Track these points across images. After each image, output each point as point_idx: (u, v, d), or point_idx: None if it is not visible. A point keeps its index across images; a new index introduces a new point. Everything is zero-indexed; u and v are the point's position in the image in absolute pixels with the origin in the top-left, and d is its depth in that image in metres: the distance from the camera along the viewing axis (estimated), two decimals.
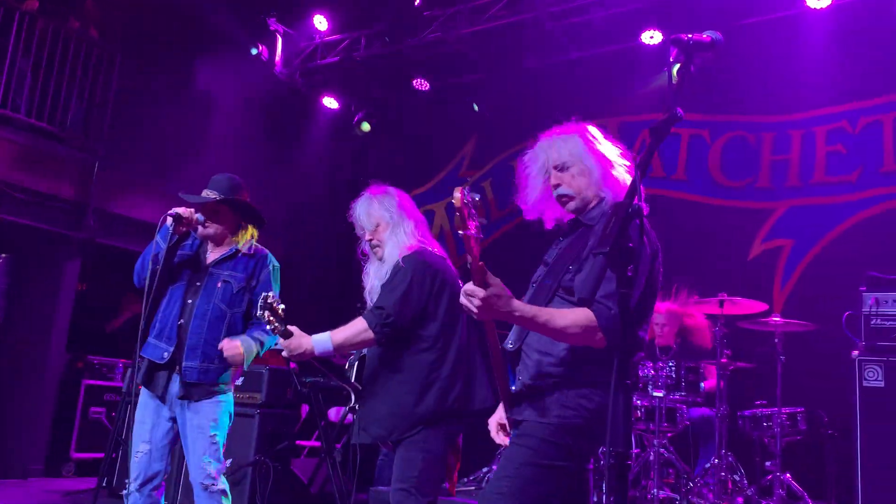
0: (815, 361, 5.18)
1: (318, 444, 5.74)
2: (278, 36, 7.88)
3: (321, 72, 8.08)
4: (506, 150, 7.58)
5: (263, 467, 4.83)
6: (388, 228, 3.05)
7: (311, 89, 8.31)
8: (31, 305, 6.91)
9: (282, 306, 2.77)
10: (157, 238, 3.26)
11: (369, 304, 3.05)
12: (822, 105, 5.96)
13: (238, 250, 3.38)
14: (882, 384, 4.07)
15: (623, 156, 2.30)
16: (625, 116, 6.57)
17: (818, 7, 5.74)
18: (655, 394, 4.84)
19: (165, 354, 3.23)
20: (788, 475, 4.68)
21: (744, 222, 6.13)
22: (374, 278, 3.06)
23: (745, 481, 4.87)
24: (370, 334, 2.84)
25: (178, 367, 3.21)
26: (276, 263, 3.50)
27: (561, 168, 2.26)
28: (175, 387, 3.22)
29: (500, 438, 2.27)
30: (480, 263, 1.85)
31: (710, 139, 6.41)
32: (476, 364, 3.03)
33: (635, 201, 1.47)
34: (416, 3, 6.93)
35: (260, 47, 7.65)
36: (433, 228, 7.57)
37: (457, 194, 1.83)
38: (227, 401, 3.30)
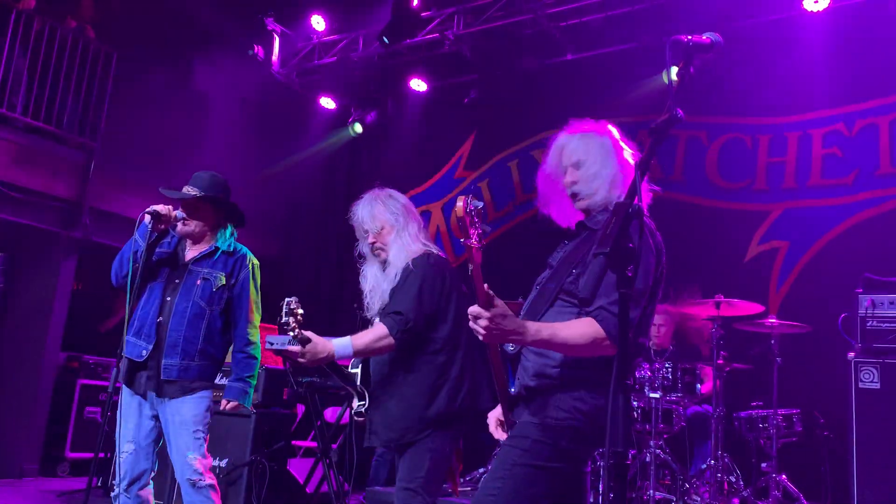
0: (810, 363, 5.19)
1: (314, 444, 5.74)
2: (276, 36, 7.88)
3: (318, 72, 8.08)
4: (503, 151, 7.59)
5: (259, 467, 4.82)
6: (392, 231, 3.02)
7: (308, 89, 8.30)
8: (27, 304, 6.89)
9: (301, 311, 2.74)
10: (136, 236, 3.25)
11: (369, 305, 3.04)
12: (818, 107, 5.98)
13: (217, 248, 3.37)
14: (878, 386, 4.08)
15: (636, 157, 2.29)
16: (622, 117, 6.57)
17: (815, 10, 5.75)
18: (652, 395, 4.85)
19: (144, 352, 3.22)
20: (784, 476, 4.70)
21: (740, 224, 6.14)
22: (376, 280, 3.04)
23: (741, 482, 4.88)
24: (391, 340, 2.83)
25: (157, 365, 3.21)
26: (256, 261, 3.49)
27: (577, 165, 2.25)
28: (154, 385, 3.21)
29: (499, 434, 2.26)
30: (486, 287, 1.85)
31: (708, 141, 6.43)
32: (478, 363, 3.04)
33: (635, 202, 1.47)
34: (413, 4, 6.94)
35: (256, 48, 7.64)
36: (429, 229, 7.57)
37: (459, 203, 1.82)
38: (209, 396, 3.30)
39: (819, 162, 5.93)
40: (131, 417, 3.25)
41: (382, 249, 3.04)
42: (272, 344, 4.99)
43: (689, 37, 1.65)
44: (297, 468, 5.40)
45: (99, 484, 5.50)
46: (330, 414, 5.82)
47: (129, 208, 7.13)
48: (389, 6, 7.00)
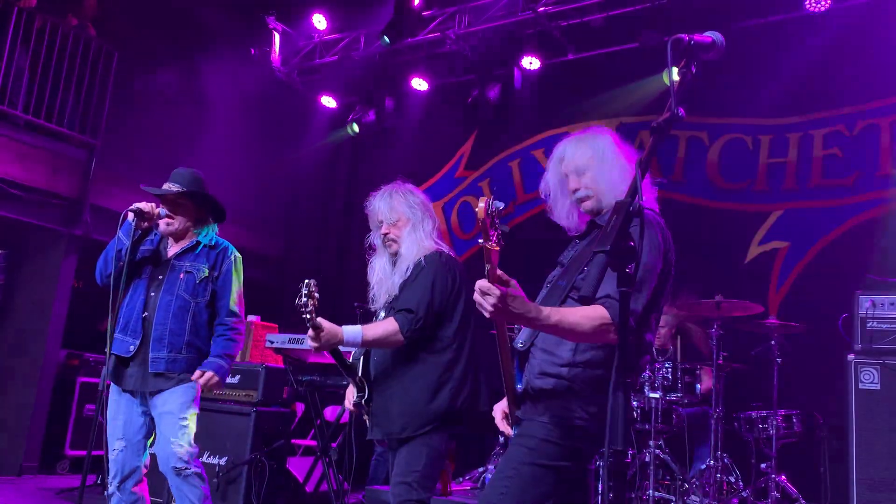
0: (810, 364, 5.19)
1: (313, 443, 5.74)
2: (277, 34, 7.88)
3: (319, 71, 8.08)
4: (504, 151, 7.59)
5: (259, 466, 4.83)
6: (408, 225, 3.03)
7: (310, 88, 8.31)
8: (28, 302, 6.89)
9: (318, 295, 2.73)
10: (120, 234, 3.27)
11: (375, 297, 3.06)
12: (819, 108, 5.97)
13: (199, 242, 3.40)
14: (877, 386, 4.08)
15: (637, 156, 2.29)
16: (623, 117, 6.58)
17: (817, 10, 5.75)
18: (652, 395, 4.85)
19: (131, 348, 3.24)
20: (783, 477, 4.69)
21: (741, 225, 6.14)
22: (384, 272, 3.06)
23: (741, 483, 4.88)
24: (400, 337, 2.85)
25: (144, 360, 3.22)
26: (238, 255, 3.50)
27: (578, 172, 2.26)
28: (143, 380, 3.22)
29: (504, 426, 2.27)
30: (498, 270, 1.85)
31: (709, 141, 6.42)
32: (480, 365, 3.06)
33: (636, 200, 1.47)
34: (414, 3, 6.94)
35: (252, 51, 7.65)
36: None
37: (481, 205, 1.82)
38: (194, 387, 3.30)
39: (820, 163, 5.93)
40: (120, 414, 3.27)
41: (395, 241, 3.05)
42: (272, 343, 5.01)
43: (691, 36, 1.65)
44: (297, 467, 5.41)
45: (98, 481, 5.50)
46: (329, 413, 5.82)
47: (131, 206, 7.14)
48: (391, 5, 7.01)
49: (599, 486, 4.78)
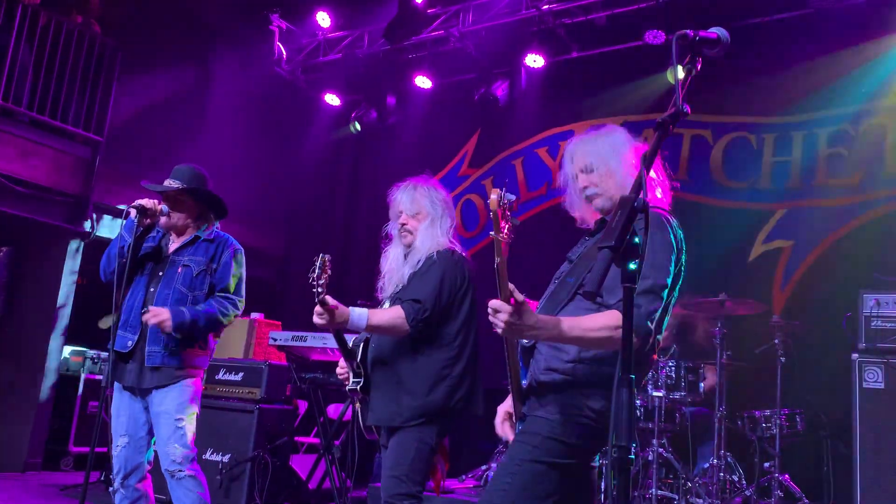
0: (814, 363, 5.18)
1: (316, 440, 5.74)
2: (281, 32, 7.88)
3: (323, 69, 8.08)
4: (507, 149, 7.58)
5: (262, 463, 4.83)
6: (426, 219, 3.07)
7: (313, 86, 8.31)
8: (32, 299, 6.91)
9: (330, 272, 2.77)
10: (122, 231, 3.27)
11: (384, 286, 3.09)
12: (824, 107, 5.95)
13: (198, 237, 3.39)
14: (882, 385, 4.07)
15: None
16: (628, 115, 6.57)
17: (822, 8, 5.73)
18: (655, 393, 4.85)
19: (130, 343, 3.24)
20: (787, 476, 4.69)
21: (745, 223, 6.12)
22: (396, 263, 3.09)
23: (744, 482, 4.87)
24: (405, 325, 2.87)
25: (142, 355, 3.21)
26: (239, 247, 3.48)
27: (587, 170, 2.26)
28: (140, 375, 3.21)
29: (505, 429, 2.26)
30: (512, 287, 1.85)
31: (713, 140, 6.41)
32: (477, 372, 3.08)
33: (641, 196, 1.47)
34: (418, 1, 6.93)
35: (256, 49, 7.65)
36: None
37: (493, 196, 1.83)
38: (193, 385, 3.26)
39: (825, 161, 5.91)
40: (123, 411, 3.26)
41: (410, 233, 3.08)
42: (275, 340, 5.02)
43: (696, 32, 1.65)
44: (300, 464, 5.41)
45: (102, 478, 5.52)
46: (333, 410, 5.82)
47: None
48: (395, 3, 7.01)
49: (603, 483, 4.79)
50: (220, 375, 5.16)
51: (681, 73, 1.62)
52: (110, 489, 3.22)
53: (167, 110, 7.36)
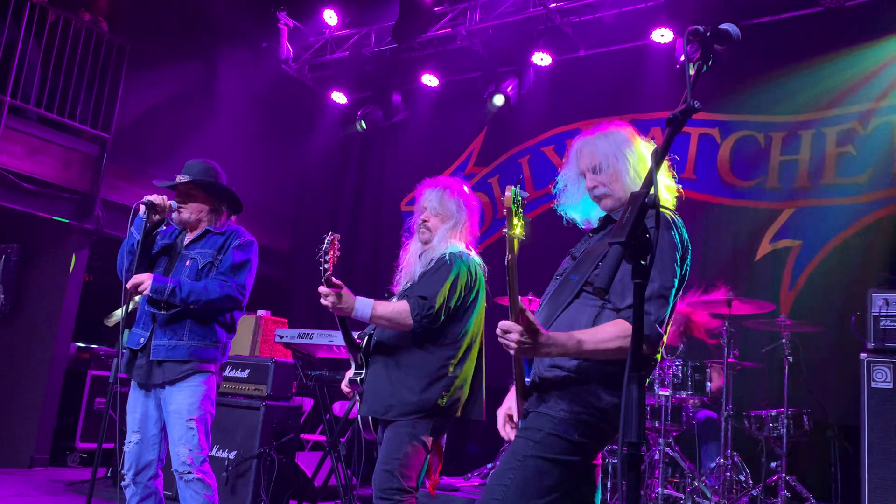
0: (822, 362, 5.16)
1: (322, 437, 5.75)
2: (288, 30, 7.89)
3: (330, 67, 8.09)
4: (514, 147, 7.57)
5: (268, 460, 4.84)
6: (448, 222, 3.08)
7: (320, 84, 8.31)
8: (39, 295, 6.93)
9: (338, 253, 2.79)
10: (132, 229, 3.26)
11: (399, 279, 3.10)
12: (833, 106, 5.93)
13: (208, 230, 3.37)
14: (890, 385, 4.05)
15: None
16: (635, 114, 6.55)
17: (830, 7, 5.71)
18: (661, 392, 4.83)
19: (142, 340, 3.22)
20: (794, 476, 4.67)
21: (752, 222, 6.10)
22: (413, 258, 3.10)
23: (751, 481, 4.85)
24: (409, 321, 2.88)
25: (150, 350, 3.20)
26: (249, 239, 3.41)
27: (595, 170, 2.25)
28: (149, 371, 3.19)
29: (507, 431, 2.25)
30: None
31: (720, 138, 6.39)
32: (481, 378, 3.09)
33: (651, 191, 1.46)
34: None
35: (263, 46, 7.64)
36: None
37: (508, 193, 1.83)
38: (205, 385, 3.21)
39: (833, 160, 5.88)
40: (137, 408, 3.25)
41: (429, 230, 3.09)
42: (282, 337, 5.02)
43: (707, 27, 1.64)
44: (306, 461, 5.42)
45: (108, 474, 5.53)
46: (338, 408, 5.83)
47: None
48: (402, 1, 7.00)
49: (608, 482, 4.78)
50: (227, 372, 5.17)
51: (691, 70, 1.61)
52: (122, 483, 3.22)
53: (174, 108, 7.38)
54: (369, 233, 8.02)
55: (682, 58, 1.57)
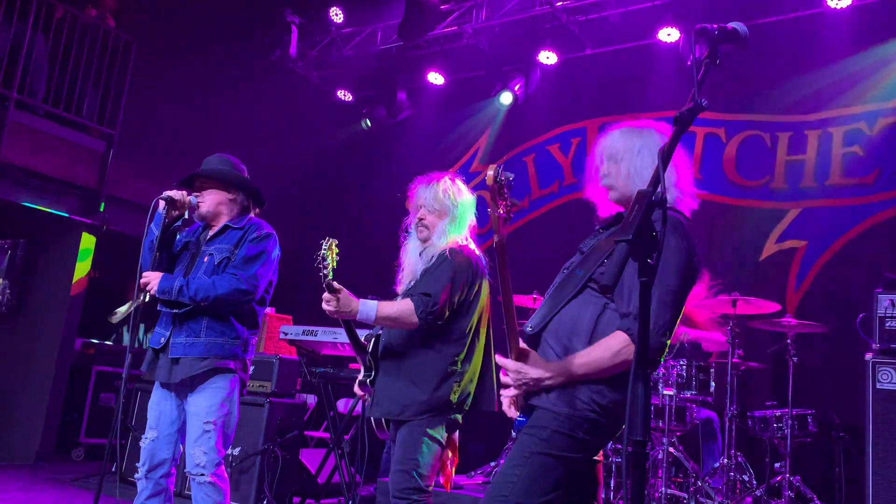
0: (827, 363, 5.15)
1: (326, 434, 5.76)
2: (294, 28, 7.89)
3: (336, 64, 8.09)
4: (519, 146, 7.57)
5: (272, 456, 4.85)
6: (445, 217, 3.06)
7: (326, 82, 8.32)
8: (45, 290, 6.95)
9: (337, 256, 2.77)
10: (151, 225, 3.24)
11: (402, 279, 3.10)
12: (839, 106, 5.91)
13: (228, 226, 3.33)
14: (895, 386, 4.03)
15: (678, 157, 2.27)
16: (641, 113, 6.54)
17: (838, 7, 5.69)
18: (665, 392, 4.83)
19: (162, 339, 3.21)
20: (798, 477, 4.66)
21: (758, 222, 6.09)
22: (413, 257, 3.09)
23: (754, 482, 4.85)
24: (414, 318, 2.87)
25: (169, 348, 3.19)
26: (267, 231, 3.36)
27: (611, 158, 2.25)
28: (169, 370, 3.18)
29: (512, 412, 2.26)
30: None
31: (726, 138, 6.37)
32: (489, 367, 3.09)
33: (659, 190, 1.46)
34: None
35: (268, 44, 7.64)
36: None
37: (490, 172, 1.83)
38: (225, 387, 3.17)
39: (839, 161, 5.86)
40: (156, 405, 3.24)
41: (427, 228, 3.08)
42: (286, 334, 5.03)
43: (715, 26, 1.63)
44: (309, 458, 5.43)
45: (113, 470, 5.55)
46: (342, 405, 5.84)
47: (147, 197, 7.15)
48: None
49: (612, 481, 4.78)
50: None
51: (700, 68, 1.61)
52: (135, 476, 3.23)
53: (180, 104, 7.39)
54: (375, 230, 8.01)
55: (690, 56, 1.56)
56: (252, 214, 3.45)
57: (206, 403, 3.14)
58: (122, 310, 7.75)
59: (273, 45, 7.74)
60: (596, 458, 2.22)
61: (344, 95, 8.16)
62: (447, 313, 2.93)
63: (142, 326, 8.48)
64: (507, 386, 1.94)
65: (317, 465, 5.31)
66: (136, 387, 5.49)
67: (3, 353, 6.95)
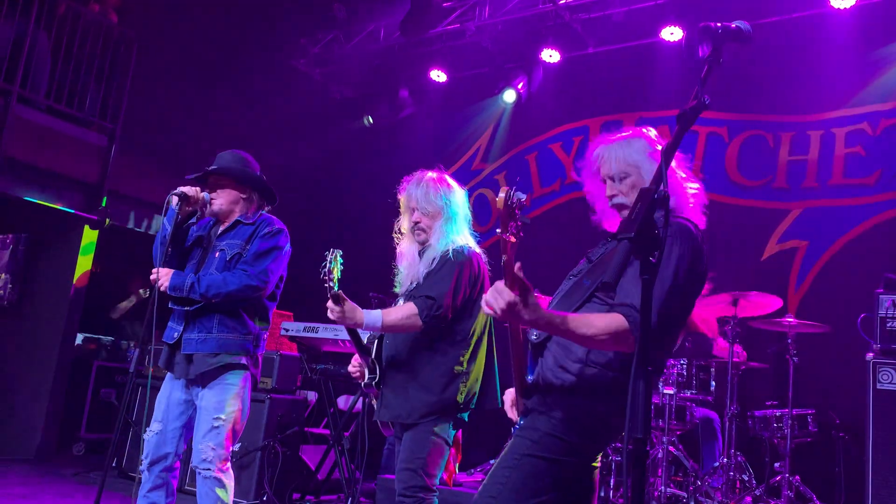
0: (827, 363, 5.14)
1: (326, 431, 5.77)
2: (296, 24, 7.88)
3: (338, 61, 8.08)
4: (521, 144, 7.57)
5: (272, 453, 4.85)
6: (440, 218, 3.05)
7: (328, 79, 8.31)
8: (46, 285, 6.96)
9: (342, 267, 2.77)
10: (164, 220, 3.25)
11: (402, 281, 3.08)
12: (842, 106, 5.90)
13: (239, 221, 3.35)
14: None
15: (680, 163, 2.25)
16: (643, 112, 6.54)
17: (842, 7, 5.68)
18: (666, 391, 4.83)
19: (175, 334, 3.23)
20: (798, 477, 4.66)
21: (759, 222, 6.08)
22: (413, 259, 3.08)
23: (754, 481, 4.85)
24: (418, 321, 2.87)
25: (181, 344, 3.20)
26: (277, 227, 3.39)
27: (618, 178, 2.21)
28: (185, 366, 3.20)
29: (514, 413, 2.27)
30: (518, 268, 1.81)
31: (728, 137, 6.37)
32: (492, 365, 3.09)
33: (661, 188, 1.46)
34: None
35: (271, 41, 7.63)
36: None
37: (501, 195, 1.79)
38: (236, 383, 3.19)
39: (841, 161, 5.86)
40: (164, 399, 3.26)
41: (424, 231, 3.06)
42: (287, 330, 5.03)
43: (719, 23, 1.63)
44: (310, 454, 5.43)
45: (114, 464, 5.56)
46: (343, 402, 5.84)
47: (149, 192, 7.19)
48: None
49: (611, 479, 4.78)
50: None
51: (704, 65, 1.61)
52: (140, 468, 3.24)
53: (182, 100, 7.38)
54: (377, 227, 8.00)
55: (695, 52, 1.56)
56: (263, 210, 3.46)
57: (216, 399, 3.15)
58: (123, 305, 7.76)
59: (275, 42, 7.73)
60: (594, 463, 2.22)
61: (345, 93, 8.15)
62: (451, 315, 2.92)
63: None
64: (491, 307, 1.82)
65: (317, 461, 5.32)
66: (137, 382, 5.50)
67: (5, 348, 6.96)
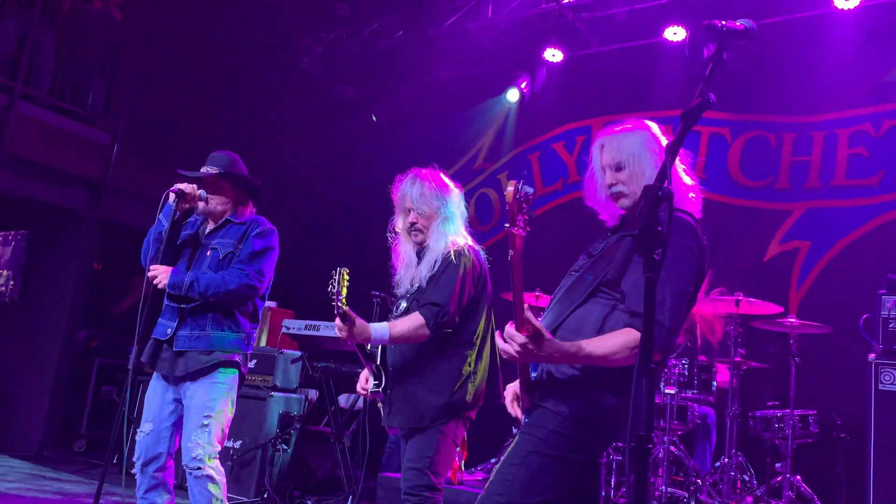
0: (829, 364, 5.14)
1: (327, 429, 5.77)
2: (300, 23, 7.88)
3: (341, 60, 8.08)
4: (523, 143, 7.56)
5: (273, 450, 4.86)
6: (437, 218, 3.02)
7: (331, 77, 8.31)
8: (48, 282, 6.97)
9: (348, 284, 2.76)
10: (160, 217, 3.26)
11: (400, 282, 3.06)
12: (845, 107, 5.89)
13: (229, 220, 3.36)
14: None
15: (682, 158, 2.25)
16: (646, 112, 6.52)
17: (845, 8, 5.67)
18: (667, 391, 4.83)
19: (169, 331, 3.22)
20: (798, 477, 4.66)
21: (761, 223, 6.08)
22: (411, 260, 3.05)
23: (755, 482, 4.85)
24: (426, 331, 2.85)
25: (174, 341, 3.19)
26: (269, 227, 3.40)
27: (617, 167, 2.23)
28: (173, 363, 3.18)
29: (514, 408, 2.26)
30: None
31: (731, 138, 6.36)
32: (495, 362, 3.09)
33: (665, 185, 1.46)
34: None
35: (274, 40, 7.62)
36: None
37: (509, 188, 1.79)
38: (226, 382, 3.20)
39: (844, 162, 5.85)
40: (154, 399, 3.24)
41: (421, 232, 3.03)
42: (289, 328, 5.04)
43: (724, 22, 1.63)
44: (311, 452, 5.44)
45: (115, 461, 5.56)
46: (344, 400, 5.85)
47: (151, 190, 7.17)
48: None
49: (612, 478, 4.78)
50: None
51: (708, 64, 1.60)
52: (133, 470, 3.23)
53: (185, 97, 7.39)
54: (379, 226, 7.99)
55: (700, 51, 1.56)
56: (249, 209, 3.47)
57: (206, 397, 3.15)
58: (126, 302, 7.77)
59: (278, 39, 7.73)
60: (598, 459, 2.22)
61: (348, 92, 8.15)
62: (458, 319, 2.91)
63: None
64: (507, 353, 1.90)
65: (318, 459, 5.33)
66: (138, 379, 5.51)
67: (7, 344, 6.96)
